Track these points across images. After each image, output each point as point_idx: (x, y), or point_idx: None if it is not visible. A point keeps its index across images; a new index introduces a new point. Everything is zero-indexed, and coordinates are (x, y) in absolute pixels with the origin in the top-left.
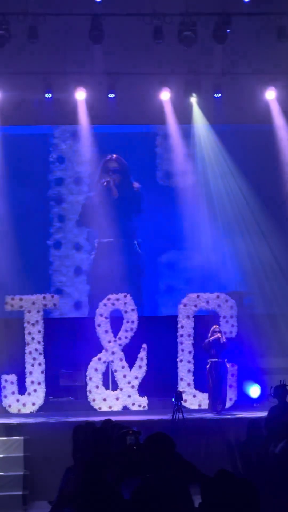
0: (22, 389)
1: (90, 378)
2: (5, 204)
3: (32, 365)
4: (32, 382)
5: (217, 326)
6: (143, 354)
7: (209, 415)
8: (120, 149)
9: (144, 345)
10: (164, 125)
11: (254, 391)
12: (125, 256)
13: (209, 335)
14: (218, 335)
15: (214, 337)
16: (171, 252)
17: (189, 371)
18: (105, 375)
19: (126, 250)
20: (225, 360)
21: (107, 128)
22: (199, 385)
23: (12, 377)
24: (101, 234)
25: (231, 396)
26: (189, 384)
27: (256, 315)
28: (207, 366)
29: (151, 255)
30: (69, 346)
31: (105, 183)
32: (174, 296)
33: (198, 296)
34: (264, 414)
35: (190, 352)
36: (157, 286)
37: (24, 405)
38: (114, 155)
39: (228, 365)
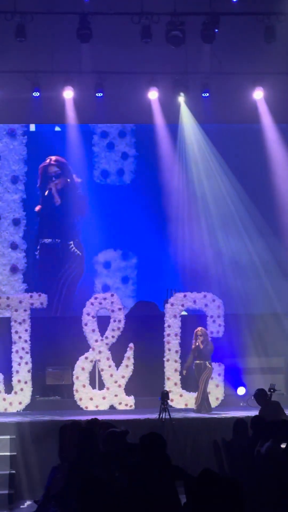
0: (8, 388)
1: (77, 377)
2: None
3: (19, 364)
4: (19, 381)
5: (200, 330)
6: (130, 353)
7: (194, 415)
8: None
9: (131, 345)
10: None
11: (240, 390)
12: (66, 257)
13: (193, 339)
14: (197, 343)
15: (193, 346)
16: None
17: (175, 370)
18: (92, 374)
19: (67, 250)
20: (207, 361)
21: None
22: (186, 384)
23: None
24: (44, 234)
25: (218, 395)
26: (175, 384)
27: (240, 315)
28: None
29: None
30: (56, 345)
31: (46, 192)
32: None
33: (185, 296)
34: (250, 413)
35: (177, 352)
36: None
37: (10, 404)
38: (53, 158)
39: (209, 366)
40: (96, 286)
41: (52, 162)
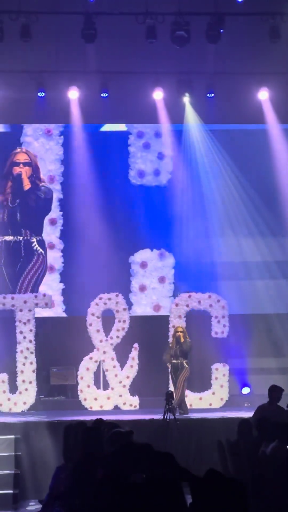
0: (13, 388)
1: (82, 378)
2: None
3: (24, 364)
4: (24, 381)
5: (180, 327)
6: (134, 353)
7: (198, 415)
8: (93, 147)
9: (136, 345)
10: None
11: (245, 390)
12: (24, 255)
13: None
14: (171, 345)
15: (171, 344)
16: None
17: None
18: (97, 374)
19: (29, 249)
20: (184, 361)
21: (78, 126)
22: (190, 385)
23: (3, 376)
24: (4, 231)
25: (222, 396)
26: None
27: (246, 316)
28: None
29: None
30: (60, 345)
31: (15, 174)
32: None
33: (189, 296)
34: None
35: None
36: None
37: (15, 404)
38: (24, 148)
39: (186, 366)
40: (133, 286)
41: (23, 151)
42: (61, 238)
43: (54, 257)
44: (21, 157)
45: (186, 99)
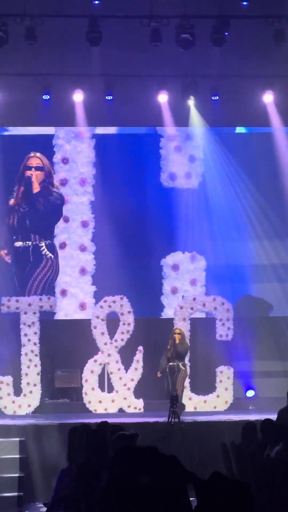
0: (17, 391)
1: (86, 380)
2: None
3: (28, 367)
4: (28, 384)
5: (178, 329)
6: (139, 356)
7: (203, 418)
8: (124, 150)
9: (140, 348)
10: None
11: (249, 393)
12: (32, 260)
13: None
14: (171, 343)
15: (169, 346)
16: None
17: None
18: (101, 377)
19: (37, 253)
20: (180, 363)
21: (109, 129)
22: (195, 388)
23: (8, 379)
24: (14, 236)
25: (227, 399)
26: (185, 387)
27: (249, 318)
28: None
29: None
30: (65, 347)
31: (29, 175)
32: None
33: (194, 299)
34: (259, 417)
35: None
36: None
37: (19, 406)
38: (38, 153)
39: (183, 368)
40: (164, 289)
41: (37, 155)
42: (93, 241)
43: (86, 260)
44: (34, 162)
45: (191, 102)
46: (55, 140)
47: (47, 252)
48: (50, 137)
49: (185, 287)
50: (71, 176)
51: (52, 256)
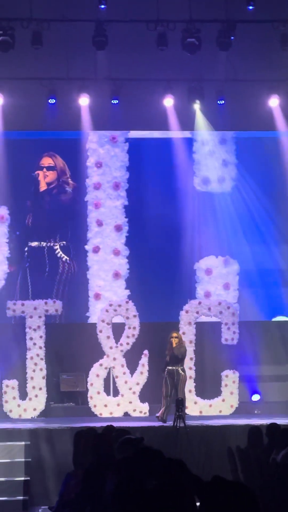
0: (23, 394)
1: (92, 384)
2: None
3: (34, 371)
4: (33, 388)
5: (175, 333)
6: (144, 360)
7: (208, 422)
8: (157, 154)
9: (146, 352)
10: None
11: (255, 397)
12: (53, 263)
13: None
14: (168, 351)
15: (167, 351)
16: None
17: (190, 377)
18: (107, 381)
19: (52, 255)
20: (180, 368)
21: (142, 133)
22: (200, 392)
23: (13, 382)
24: (30, 237)
25: (232, 403)
26: (190, 391)
27: (255, 322)
28: (164, 374)
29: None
30: (70, 351)
31: (35, 174)
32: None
33: (200, 303)
34: (265, 421)
35: (191, 359)
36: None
37: (25, 410)
38: (51, 154)
39: (182, 373)
40: (198, 293)
41: (50, 155)
42: (126, 245)
43: (120, 264)
44: (45, 161)
45: (197, 106)
46: (88, 144)
47: (62, 255)
48: (83, 141)
49: (218, 291)
50: (105, 180)
51: (68, 259)
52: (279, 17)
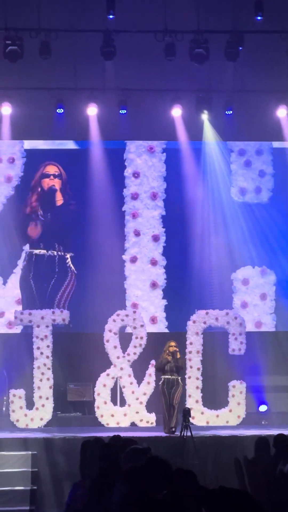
0: (30, 404)
1: (98, 394)
2: (81, 218)
3: (41, 380)
4: (40, 397)
5: (173, 342)
6: (151, 370)
7: (215, 432)
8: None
9: (153, 361)
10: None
11: (262, 408)
12: (58, 271)
13: (165, 352)
14: (169, 358)
15: (166, 361)
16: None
17: (197, 388)
18: (113, 391)
19: (59, 264)
20: (179, 378)
21: (180, 143)
22: (207, 402)
23: (20, 392)
24: (34, 244)
25: (239, 413)
26: (197, 401)
27: (262, 333)
28: (160, 383)
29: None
30: (77, 361)
31: (46, 187)
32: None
33: (207, 313)
34: (272, 432)
35: (198, 369)
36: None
37: (32, 420)
38: (53, 162)
39: (181, 383)
40: (234, 303)
41: (53, 163)
42: (163, 255)
43: (157, 274)
44: (51, 169)
45: (205, 116)
46: (126, 154)
47: (72, 266)
48: (121, 151)
49: (255, 301)
50: (142, 190)
51: (75, 270)
52: (287, 28)
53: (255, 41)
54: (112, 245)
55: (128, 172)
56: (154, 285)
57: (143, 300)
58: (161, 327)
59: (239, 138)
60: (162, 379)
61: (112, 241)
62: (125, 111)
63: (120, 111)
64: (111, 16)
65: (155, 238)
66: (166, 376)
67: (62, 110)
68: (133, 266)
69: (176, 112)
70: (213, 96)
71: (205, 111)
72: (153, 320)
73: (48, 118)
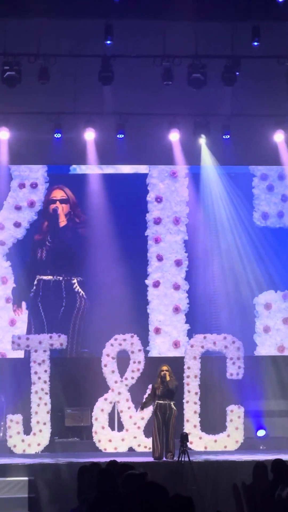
0: (27, 429)
1: (96, 419)
2: (103, 242)
3: (38, 405)
4: (38, 422)
5: (165, 366)
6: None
7: (213, 457)
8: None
9: (151, 386)
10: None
11: (260, 433)
12: (65, 296)
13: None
14: (160, 380)
15: (157, 384)
16: None
17: (195, 412)
18: (111, 415)
19: (67, 289)
20: (172, 402)
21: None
22: (205, 427)
23: (18, 417)
24: (42, 270)
25: (238, 438)
26: (195, 426)
27: (260, 357)
28: (153, 408)
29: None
30: (75, 386)
31: (51, 210)
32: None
33: (205, 337)
34: (270, 457)
35: (196, 393)
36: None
37: (29, 445)
38: (61, 186)
39: (174, 408)
40: (257, 327)
41: (61, 187)
42: (186, 279)
43: (180, 298)
44: (58, 194)
45: (202, 140)
46: (149, 179)
47: (80, 290)
48: (143, 176)
49: (278, 325)
50: (165, 215)
51: (84, 294)
52: (284, 52)
53: (252, 66)
54: (132, 270)
55: (150, 197)
56: (176, 309)
57: (166, 325)
58: (183, 351)
59: (236, 162)
60: (156, 404)
61: (131, 266)
62: (122, 136)
63: (118, 136)
64: (108, 42)
65: (178, 263)
66: (159, 401)
67: (60, 135)
68: (155, 291)
69: (174, 136)
70: (211, 121)
71: (203, 136)
72: (176, 344)
73: (46, 143)
